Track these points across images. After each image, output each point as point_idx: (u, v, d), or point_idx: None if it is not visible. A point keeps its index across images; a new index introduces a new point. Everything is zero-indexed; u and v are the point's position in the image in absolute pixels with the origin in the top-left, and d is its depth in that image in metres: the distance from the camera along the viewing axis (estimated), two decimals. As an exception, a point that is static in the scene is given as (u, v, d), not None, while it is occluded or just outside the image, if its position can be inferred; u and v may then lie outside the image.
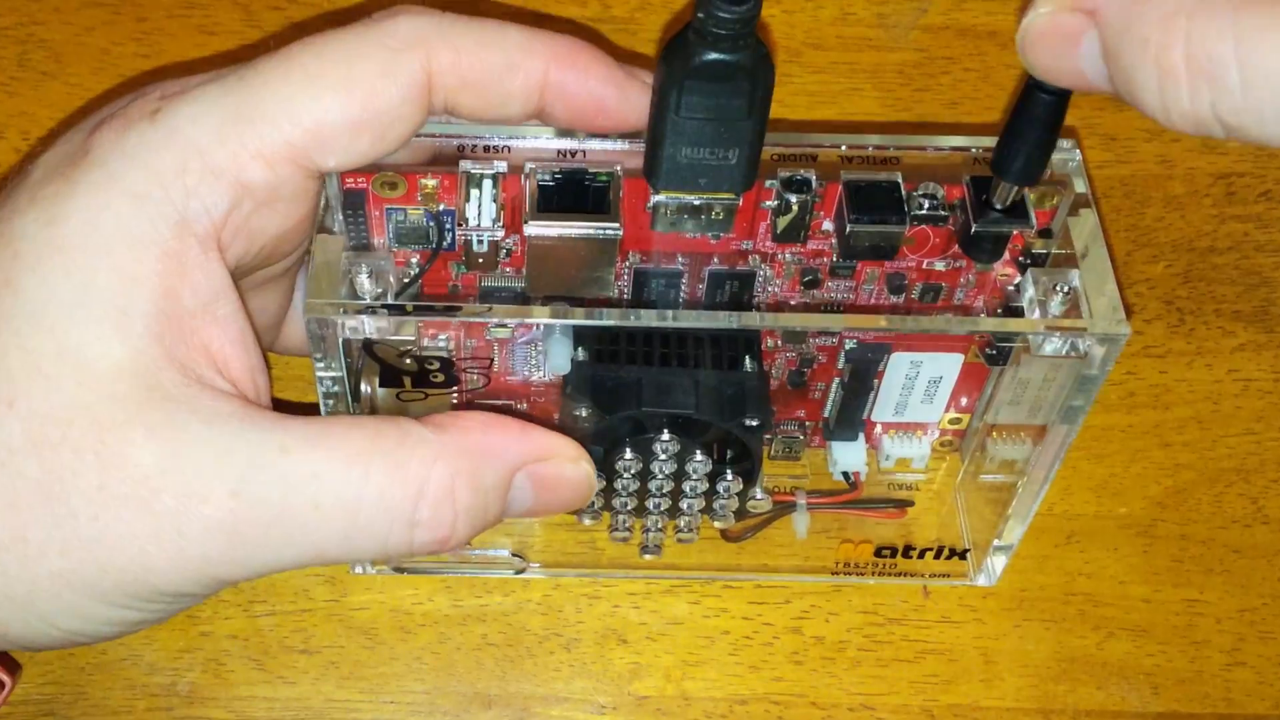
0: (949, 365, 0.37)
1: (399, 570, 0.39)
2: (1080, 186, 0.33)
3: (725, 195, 0.32)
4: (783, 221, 0.34)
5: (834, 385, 0.38)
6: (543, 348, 0.35)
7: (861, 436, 0.40)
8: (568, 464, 0.32)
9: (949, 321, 0.34)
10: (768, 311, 0.36)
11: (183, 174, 0.29)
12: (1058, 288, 0.32)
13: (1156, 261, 0.46)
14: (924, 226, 0.34)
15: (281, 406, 0.30)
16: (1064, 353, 0.32)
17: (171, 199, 0.29)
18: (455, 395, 0.37)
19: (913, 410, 0.39)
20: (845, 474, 0.40)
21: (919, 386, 0.38)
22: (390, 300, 0.32)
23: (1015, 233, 0.33)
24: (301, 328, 0.36)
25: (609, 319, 0.32)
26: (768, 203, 0.34)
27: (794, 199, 0.33)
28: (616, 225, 0.32)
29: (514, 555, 0.40)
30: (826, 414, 0.39)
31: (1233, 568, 0.41)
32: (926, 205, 0.33)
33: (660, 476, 0.35)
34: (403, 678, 0.38)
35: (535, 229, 0.32)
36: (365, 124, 0.30)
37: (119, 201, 0.28)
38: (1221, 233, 0.46)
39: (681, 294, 0.36)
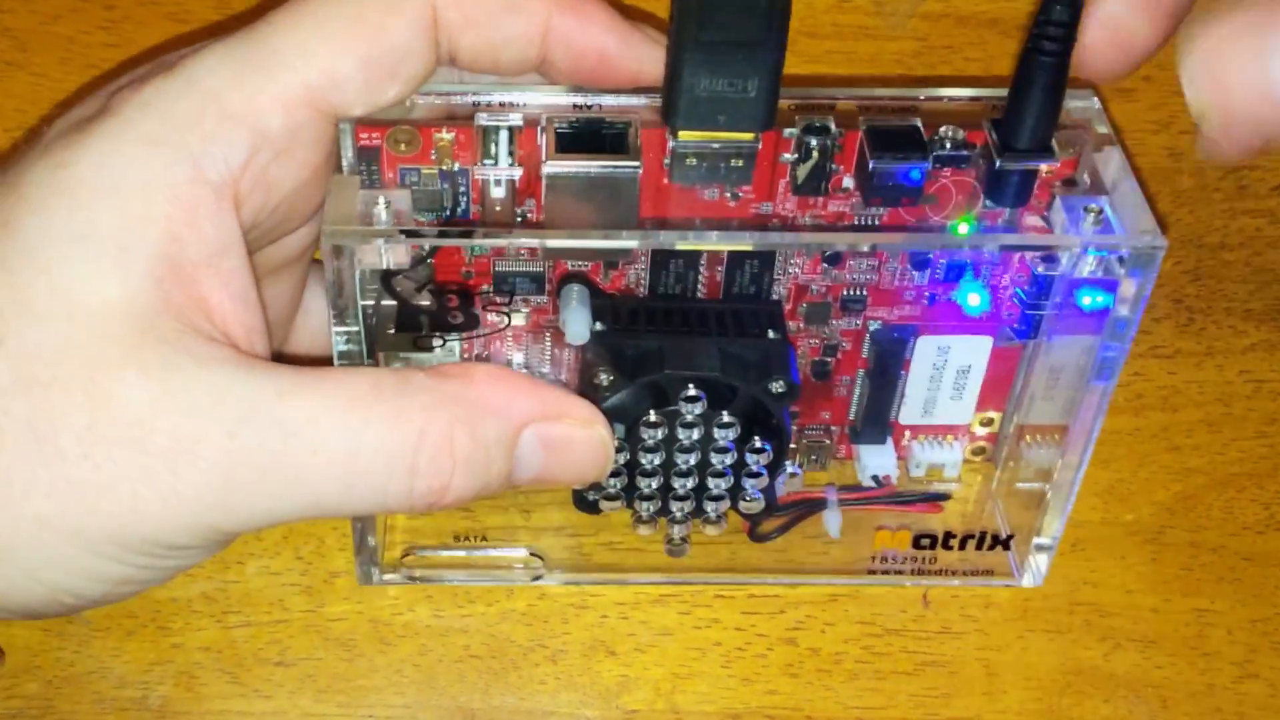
0: (977, 351, 0.37)
1: (413, 580, 0.39)
2: (1103, 128, 0.34)
3: (745, 135, 0.32)
4: (803, 170, 0.34)
5: (859, 379, 0.38)
6: (561, 317, 0.35)
7: (890, 441, 0.39)
8: (579, 426, 0.31)
9: (979, 238, 0.34)
10: (790, 274, 0.36)
11: (200, 121, 0.29)
12: (1088, 209, 0.33)
13: (1165, 258, 0.44)
14: (946, 182, 0.34)
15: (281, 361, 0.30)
16: (1098, 274, 0.33)
17: (188, 145, 0.29)
18: (467, 349, 0.36)
19: (942, 409, 0.38)
20: (874, 478, 0.39)
21: (947, 378, 0.37)
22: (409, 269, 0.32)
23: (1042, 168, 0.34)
24: (314, 324, 0.37)
25: (628, 240, 0.32)
26: (787, 156, 0.34)
27: (814, 142, 0.33)
28: (636, 163, 0.32)
29: (533, 555, 0.39)
30: (852, 416, 0.39)
31: (1244, 576, 0.40)
32: (949, 145, 0.33)
33: (686, 446, 0.35)
34: (382, 691, 0.37)
35: (554, 168, 0.32)
36: (377, 61, 0.30)
37: (132, 147, 0.28)
38: (1233, 228, 0.45)
39: (701, 271, 0.36)
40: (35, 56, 0.45)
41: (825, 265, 0.36)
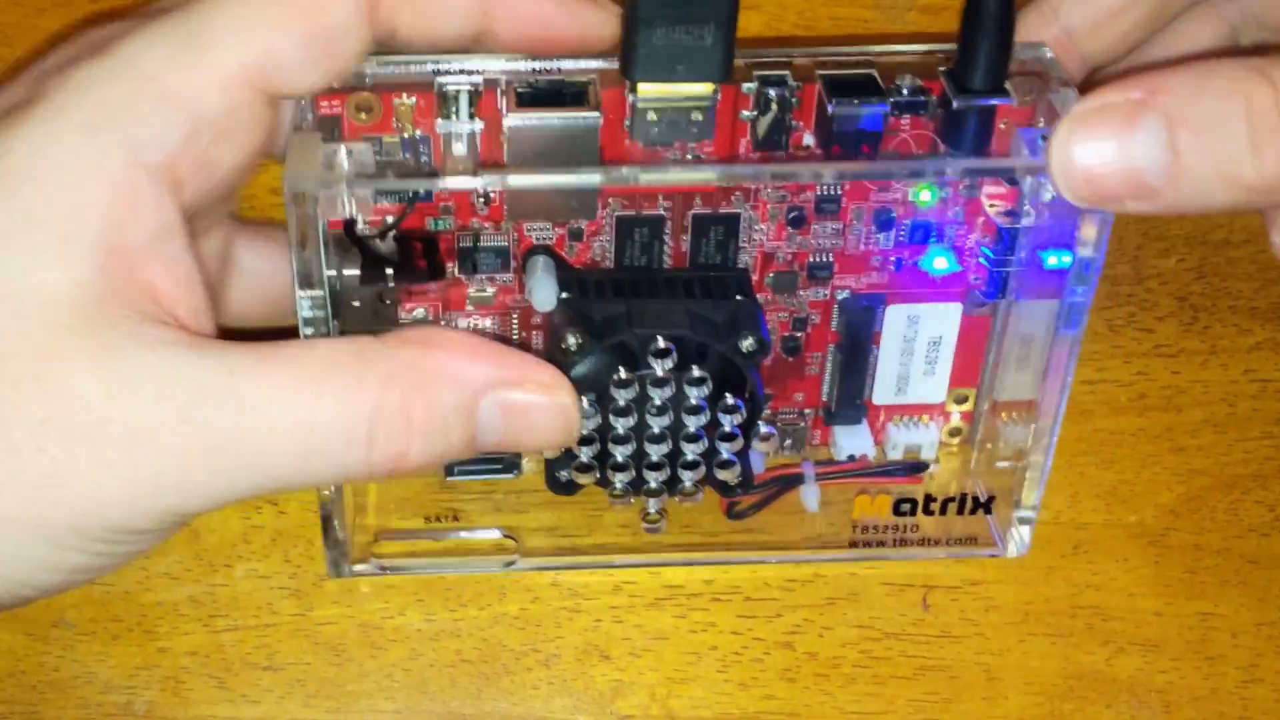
0: (947, 319, 0.37)
1: (384, 570, 0.38)
2: (1057, 73, 0.34)
3: (704, 87, 0.32)
4: (763, 124, 0.34)
5: (830, 355, 0.38)
6: (527, 285, 0.35)
7: (865, 421, 0.39)
8: (540, 392, 0.31)
9: (941, 162, 0.34)
10: (755, 241, 0.36)
11: (135, 104, 0.28)
12: (1046, 138, 0.33)
13: (1168, 255, 0.44)
14: (905, 135, 0.34)
15: (233, 337, 0.29)
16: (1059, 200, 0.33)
17: (124, 128, 0.28)
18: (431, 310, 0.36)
19: (915, 386, 0.38)
20: (851, 457, 0.39)
21: (918, 350, 0.37)
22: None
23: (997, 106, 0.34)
24: (251, 288, 0.37)
25: (590, 176, 0.33)
26: (746, 113, 0.34)
27: (772, 93, 0.34)
28: (596, 113, 0.33)
29: (507, 537, 0.38)
30: (825, 396, 0.39)
31: (1249, 579, 0.40)
32: (906, 91, 0.34)
33: (658, 408, 0.34)
34: (372, 696, 0.37)
35: (515, 121, 0.33)
36: (315, 38, 0.30)
37: (68, 134, 0.28)
38: (1237, 224, 0.44)
39: (666, 240, 0.36)
40: (20, 52, 0.44)
41: (790, 229, 0.36)
